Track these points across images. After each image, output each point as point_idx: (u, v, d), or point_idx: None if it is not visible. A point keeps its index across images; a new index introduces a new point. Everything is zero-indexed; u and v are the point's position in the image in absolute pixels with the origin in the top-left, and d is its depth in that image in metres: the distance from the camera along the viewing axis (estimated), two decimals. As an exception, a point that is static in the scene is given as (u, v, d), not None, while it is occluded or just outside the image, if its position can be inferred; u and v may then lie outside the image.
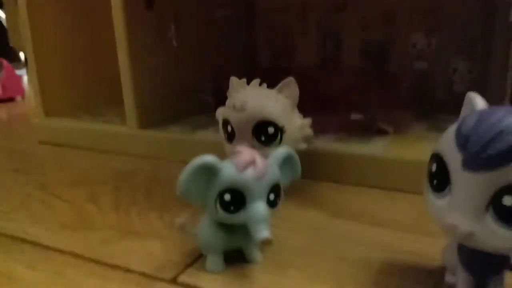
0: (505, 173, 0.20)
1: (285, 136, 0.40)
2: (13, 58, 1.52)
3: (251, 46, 0.78)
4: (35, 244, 0.35)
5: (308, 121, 0.42)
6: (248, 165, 0.28)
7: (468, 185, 0.22)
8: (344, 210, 0.40)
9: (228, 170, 0.28)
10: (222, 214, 0.28)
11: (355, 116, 0.50)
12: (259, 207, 0.28)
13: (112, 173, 0.53)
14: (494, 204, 0.21)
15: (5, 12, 1.66)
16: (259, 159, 0.29)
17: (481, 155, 0.21)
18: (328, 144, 0.49)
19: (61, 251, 0.34)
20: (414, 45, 0.65)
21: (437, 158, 0.24)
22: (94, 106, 0.73)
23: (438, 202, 0.24)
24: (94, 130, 0.63)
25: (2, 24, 1.75)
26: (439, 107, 0.62)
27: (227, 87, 0.42)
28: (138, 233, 0.36)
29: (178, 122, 0.61)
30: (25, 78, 1.37)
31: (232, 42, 0.74)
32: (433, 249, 0.30)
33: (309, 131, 0.42)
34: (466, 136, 0.22)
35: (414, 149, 0.46)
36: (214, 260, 0.30)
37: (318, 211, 0.40)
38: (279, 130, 0.40)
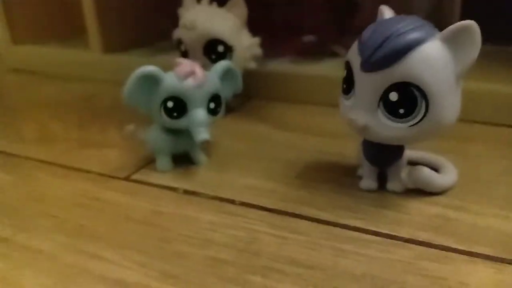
0: (390, 73, 0.24)
1: (234, 55, 0.42)
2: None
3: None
4: (3, 153, 0.38)
5: (257, 40, 0.44)
6: (188, 74, 0.31)
7: (365, 85, 0.26)
8: (288, 123, 0.44)
9: (170, 80, 0.31)
10: (166, 120, 0.32)
11: (307, 38, 0.53)
12: (199, 113, 0.31)
13: (76, 96, 0.55)
14: (383, 100, 0.25)
15: None
16: (198, 69, 0.32)
17: (372, 58, 0.24)
18: (281, 65, 0.52)
19: (28, 158, 0.37)
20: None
21: (346, 64, 0.27)
22: (61, 33, 0.73)
23: (345, 103, 0.27)
24: (59, 57, 0.65)
25: None
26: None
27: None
28: (98, 144, 0.40)
29: (141, 46, 0.63)
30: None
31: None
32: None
33: (258, 50, 0.45)
34: (363, 43, 0.25)
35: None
36: (163, 161, 0.34)
37: (264, 124, 0.44)
38: (229, 48, 0.42)
